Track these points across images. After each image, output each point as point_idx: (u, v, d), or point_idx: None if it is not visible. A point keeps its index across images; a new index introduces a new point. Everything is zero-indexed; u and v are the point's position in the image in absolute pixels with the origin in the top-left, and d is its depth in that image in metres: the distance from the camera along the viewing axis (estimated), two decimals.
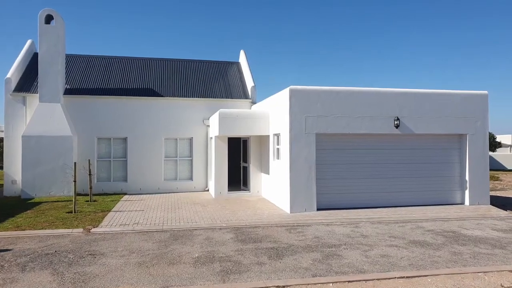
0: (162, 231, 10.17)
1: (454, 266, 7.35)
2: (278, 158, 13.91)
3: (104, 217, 11.75)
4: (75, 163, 12.74)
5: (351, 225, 10.96)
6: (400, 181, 13.50)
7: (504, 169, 33.73)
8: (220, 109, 14.68)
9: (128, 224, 10.79)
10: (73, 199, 12.42)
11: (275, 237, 9.53)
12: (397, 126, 13.03)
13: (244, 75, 20.03)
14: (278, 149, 13.92)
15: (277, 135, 13.97)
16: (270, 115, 14.64)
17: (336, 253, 8.18)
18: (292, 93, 12.41)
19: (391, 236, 9.62)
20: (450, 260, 7.69)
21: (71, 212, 12.26)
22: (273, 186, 14.18)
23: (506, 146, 42.84)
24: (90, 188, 14.73)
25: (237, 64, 21.28)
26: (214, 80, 19.55)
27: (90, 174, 14.75)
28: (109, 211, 12.75)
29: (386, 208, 13.01)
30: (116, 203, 14.44)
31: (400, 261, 7.65)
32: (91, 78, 18.32)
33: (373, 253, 8.16)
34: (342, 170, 13.09)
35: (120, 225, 10.74)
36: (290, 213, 12.25)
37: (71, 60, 19.37)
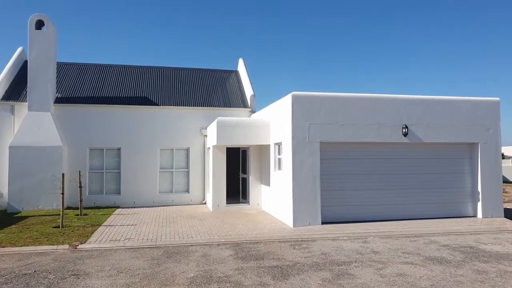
0: (155, 247, 9.34)
1: (482, 287, 6.55)
2: (279, 168, 13.16)
3: (93, 232, 10.91)
4: (63, 174, 11.93)
5: (359, 240, 10.16)
6: (408, 193, 12.74)
7: (507, 181, 33.01)
8: (218, 117, 13.98)
9: (119, 240, 9.95)
10: (61, 213, 11.58)
11: (279, 254, 8.71)
12: (405, 135, 12.33)
13: (243, 84, 19.39)
14: (279, 159, 13.18)
15: (279, 144, 13.24)
16: (271, 123, 13.93)
17: (347, 271, 7.37)
18: (295, 100, 11.72)
19: (405, 252, 8.82)
20: (475, 280, 6.89)
21: (58, 227, 11.42)
22: (274, 199, 13.39)
23: (508, 157, 42.21)
24: (80, 201, 13.90)
25: (236, 72, 20.67)
26: (211, 89, 18.90)
27: (80, 187, 13.94)
28: (100, 225, 11.91)
29: (395, 222, 12.22)
30: (108, 217, 13.60)
31: (420, 281, 6.85)
32: (84, 87, 17.63)
33: (388, 272, 7.36)
34: (348, 181, 12.33)
35: (110, 240, 9.90)
36: (293, 227, 11.44)
37: (63, 68, 18.71)
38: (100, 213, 14.44)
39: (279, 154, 13.28)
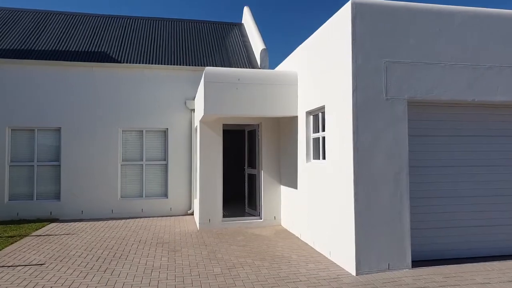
0: None
1: None
2: (319, 157, 7.24)
3: None
4: None
5: None
6: None
7: None
8: (207, 68, 8.00)
9: None
10: None
11: None
12: None
13: (250, 39, 13.46)
14: (317, 139, 7.25)
15: (316, 114, 7.30)
16: (301, 76, 7.96)
17: None
18: (360, 12, 5.74)
19: None
20: None
21: None
22: (309, 211, 7.44)
23: None
24: None
25: (239, 25, 14.70)
26: (204, 44, 12.96)
27: None
28: None
29: None
30: (16, 241, 7.75)
31: None
32: (5, 37, 11.76)
33: None
34: (460, 178, 6.35)
35: None
36: (357, 274, 5.50)
37: None
38: (12, 232, 8.59)
39: (316, 130, 7.35)
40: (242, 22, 14.86)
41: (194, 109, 11.11)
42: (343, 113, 5.93)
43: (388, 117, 5.76)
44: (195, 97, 11.05)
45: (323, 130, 6.98)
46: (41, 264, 6.22)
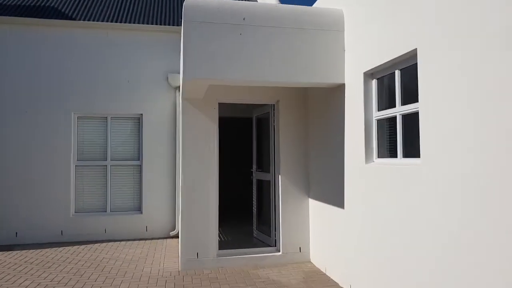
0: None
1: None
2: (395, 153, 3.88)
3: None
4: None
5: None
6: None
7: None
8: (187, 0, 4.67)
9: None
10: None
11: None
12: None
13: None
14: (386, 121, 3.89)
15: (389, 73, 3.93)
16: (350, 15, 4.59)
17: None
18: None
19: None
20: None
21: None
22: (375, 250, 4.10)
23: None
24: None
25: None
26: None
27: None
28: None
29: None
30: None
31: None
32: None
33: None
34: None
35: None
36: None
37: None
38: None
39: (388, 105, 4.00)
40: None
41: (178, 88, 7.80)
42: (480, 57, 2.59)
43: None
44: (180, 71, 7.74)
45: (403, 102, 3.65)
46: None
